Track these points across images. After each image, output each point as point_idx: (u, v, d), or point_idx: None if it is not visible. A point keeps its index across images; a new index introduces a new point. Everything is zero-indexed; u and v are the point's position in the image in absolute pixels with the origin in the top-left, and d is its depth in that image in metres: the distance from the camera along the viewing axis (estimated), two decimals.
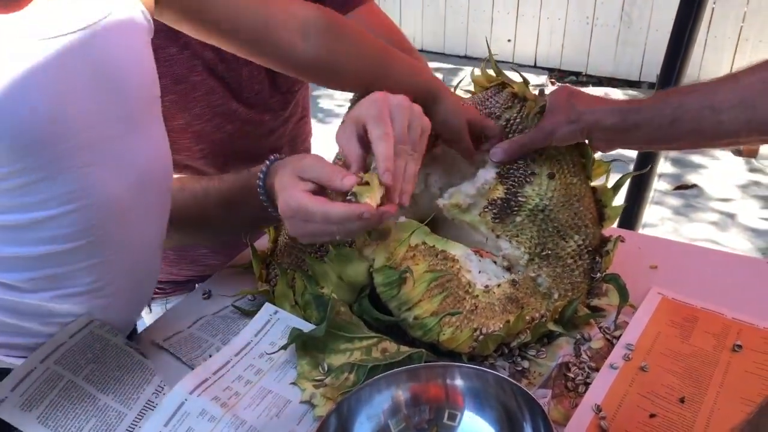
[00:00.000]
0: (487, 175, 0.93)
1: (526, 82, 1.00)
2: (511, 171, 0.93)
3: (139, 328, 0.97)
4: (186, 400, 0.76)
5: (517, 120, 0.97)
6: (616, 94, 4.26)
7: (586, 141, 0.94)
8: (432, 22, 4.88)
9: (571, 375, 0.81)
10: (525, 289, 0.88)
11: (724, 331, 0.88)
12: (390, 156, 0.76)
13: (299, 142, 1.32)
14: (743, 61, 4.03)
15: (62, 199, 0.69)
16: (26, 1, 0.64)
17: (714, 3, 4.00)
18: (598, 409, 0.76)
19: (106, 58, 0.70)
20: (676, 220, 3.02)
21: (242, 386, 0.80)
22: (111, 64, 0.71)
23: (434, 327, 0.80)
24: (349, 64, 0.90)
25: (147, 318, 1.25)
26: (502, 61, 1.06)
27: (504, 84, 1.02)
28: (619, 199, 1.01)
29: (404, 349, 0.79)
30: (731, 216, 3.04)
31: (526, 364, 0.84)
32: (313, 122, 1.42)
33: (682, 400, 0.78)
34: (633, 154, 1.99)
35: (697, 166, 3.46)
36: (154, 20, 0.79)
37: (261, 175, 0.86)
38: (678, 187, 3.27)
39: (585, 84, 4.49)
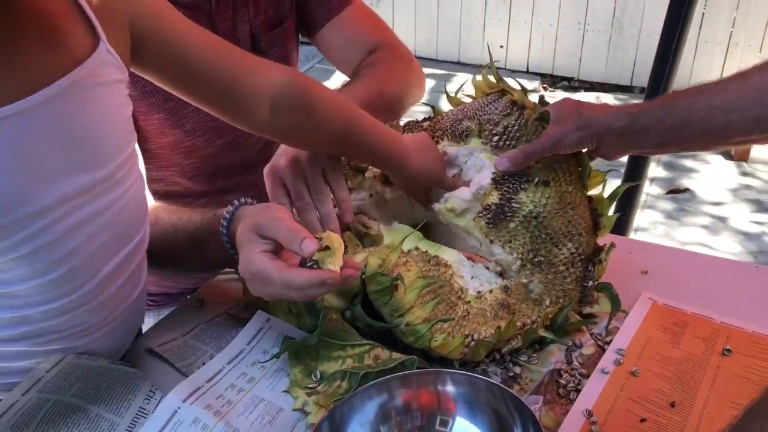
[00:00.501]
0: (482, 180, 0.94)
1: (524, 90, 1.00)
2: (507, 177, 0.94)
3: None
4: (179, 408, 0.76)
5: (515, 127, 0.97)
6: (608, 99, 4.28)
7: (593, 148, 0.93)
8: (425, 28, 4.89)
9: (563, 382, 0.82)
10: (517, 295, 0.88)
11: (713, 335, 0.89)
12: (296, 229, 0.75)
13: None
14: (733, 65, 4.06)
15: (40, 272, 0.69)
16: None
17: (704, 8, 4.02)
18: (589, 414, 0.77)
19: (73, 119, 0.67)
20: (668, 224, 3.03)
21: (235, 394, 0.80)
22: (80, 123, 0.68)
23: (426, 333, 0.80)
24: (313, 136, 0.86)
25: (147, 319, 1.24)
26: (495, 67, 1.07)
27: (504, 91, 1.03)
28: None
29: (396, 356, 0.80)
30: (723, 220, 3.05)
31: (518, 369, 0.84)
32: None
33: (672, 405, 0.78)
34: (624, 158, 2.00)
35: (689, 171, 3.48)
36: None
37: (224, 222, 0.84)
38: (670, 191, 3.28)
39: (577, 89, 4.51)
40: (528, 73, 4.65)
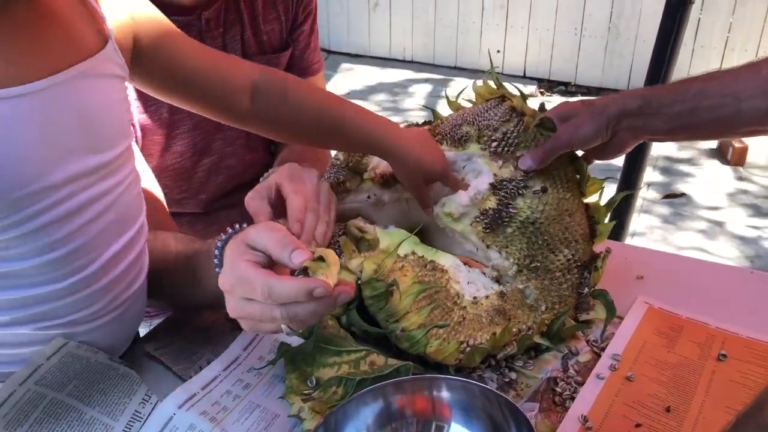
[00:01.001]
0: (480, 185, 0.94)
1: (524, 97, 1.01)
2: (504, 182, 0.94)
3: None
4: (174, 414, 0.76)
5: (514, 134, 0.98)
6: None
7: (608, 137, 0.93)
8: (422, 33, 4.90)
9: (559, 390, 0.82)
10: (513, 301, 0.88)
11: (709, 340, 0.89)
12: (301, 208, 0.78)
13: None
14: None
15: (43, 250, 0.70)
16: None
17: (700, 13, 4.04)
18: (585, 419, 0.77)
19: (83, 103, 0.72)
20: (664, 228, 3.04)
21: (231, 401, 0.80)
22: (89, 108, 0.73)
23: (421, 339, 0.80)
24: (294, 122, 0.92)
25: (140, 329, 1.24)
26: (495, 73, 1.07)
27: (504, 97, 1.03)
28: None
29: (392, 362, 0.80)
30: (719, 224, 3.06)
31: (513, 375, 0.84)
32: None
33: (667, 410, 0.78)
34: (620, 163, 2.00)
35: (685, 175, 3.48)
36: None
37: (219, 244, 0.74)
38: (666, 196, 3.29)
39: (574, 94, 4.52)
40: (525, 78, 4.66)
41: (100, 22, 0.76)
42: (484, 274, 0.92)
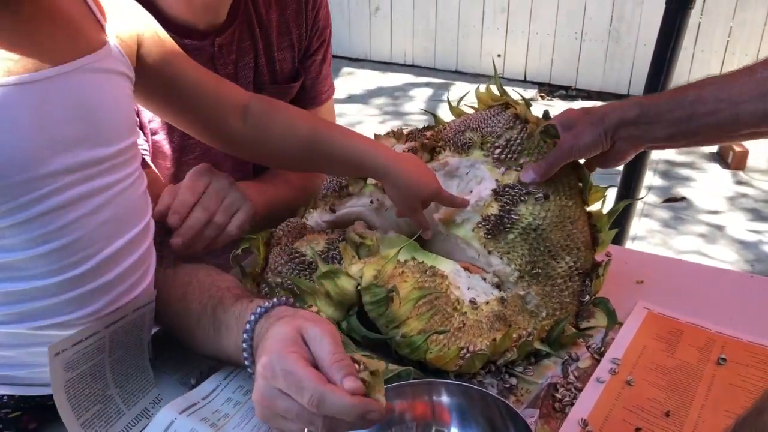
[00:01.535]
0: (482, 191, 0.95)
1: (528, 104, 1.01)
2: (507, 189, 0.94)
3: None
4: (175, 419, 0.76)
5: (518, 141, 0.98)
6: None
7: (608, 146, 0.94)
8: (423, 37, 4.91)
9: (559, 396, 0.82)
10: (513, 307, 0.88)
11: (708, 344, 0.89)
12: (187, 203, 0.89)
13: None
14: None
15: (36, 241, 0.70)
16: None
17: (701, 17, 4.05)
18: (585, 423, 0.77)
19: (85, 95, 0.73)
20: (665, 232, 3.04)
21: (231, 408, 0.80)
22: (90, 101, 0.73)
23: (421, 345, 0.80)
24: (282, 143, 0.95)
25: None
26: (492, 76, 1.07)
27: (507, 104, 1.03)
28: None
29: (392, 367, 0.80)
30: (720, 228, 3.06)
31: (514, 381, 0.84)
32: None
33: (667, 414, 0.79)
34: (620, 167, 2.00)
35: (685, 179, 3.49)
36: None
37: (258, 311, 0.71)
38: (667, 200, 3.29)
39: (574, 98, 4.52)
40: (525, 82, 4.67)
41: (103, 24, 0.77)
42: (485, 279, 0.92)
